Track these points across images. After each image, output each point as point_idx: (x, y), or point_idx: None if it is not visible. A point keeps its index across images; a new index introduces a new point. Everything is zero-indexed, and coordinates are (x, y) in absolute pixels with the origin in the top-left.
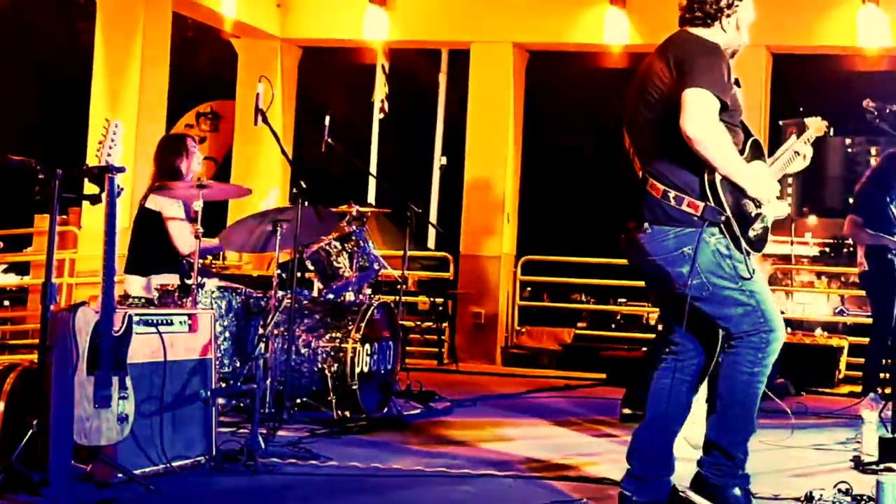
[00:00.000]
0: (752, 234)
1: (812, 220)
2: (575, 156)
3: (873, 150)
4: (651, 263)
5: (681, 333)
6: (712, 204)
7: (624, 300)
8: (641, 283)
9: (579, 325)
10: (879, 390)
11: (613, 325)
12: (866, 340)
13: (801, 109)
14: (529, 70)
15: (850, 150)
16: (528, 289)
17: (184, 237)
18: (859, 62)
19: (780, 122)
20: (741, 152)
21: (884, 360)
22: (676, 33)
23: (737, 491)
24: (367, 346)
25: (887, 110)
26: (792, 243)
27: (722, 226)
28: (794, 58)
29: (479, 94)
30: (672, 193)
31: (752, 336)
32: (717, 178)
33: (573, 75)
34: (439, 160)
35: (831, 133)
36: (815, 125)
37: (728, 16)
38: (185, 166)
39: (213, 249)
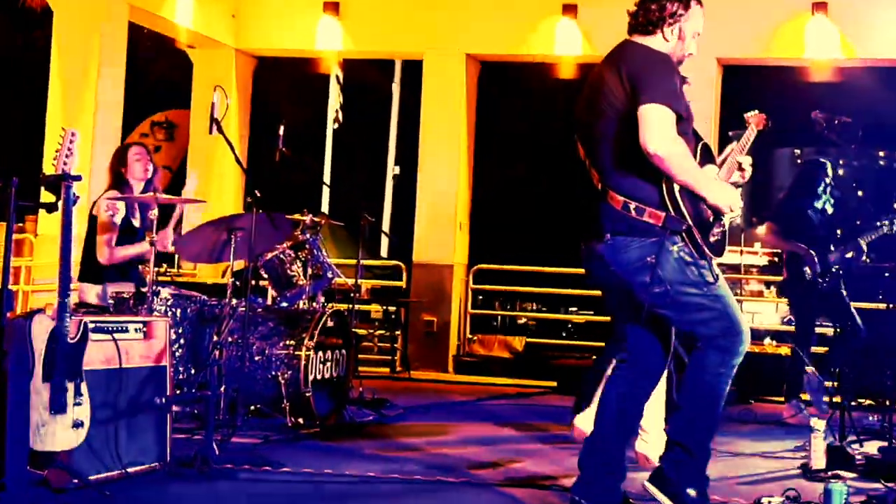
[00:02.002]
0: (712, 239)
1: (761, 229)
2: (527, 166)
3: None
4: (613, 274)
5: (634, 342)
6: (673, 213)
7: (575, 309)
8: (593, 293)
9: (530, 333)
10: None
11: (564, 334)
12: (816, 349)
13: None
14: (482, 80)
15: (798, 160)
16: (480, 297)
17: (100, 246)
18: (808, 74)
19: (730, 133)
20: (693, 156)
21: (808, 368)
22: (624, 43)
23: (692, 492)
24: (321, 353)
25: (835, 121)
26: (742, 253)
27: (684, 234)
28: (745, 69)
29: (431, 104)
30: (633, 205)
31: (718, 339)
32: (676, 187)
33: (525, 86)
34: (392, 170)
35: (769, 124)
36: (754, 119)
37: (670, 24)
38: (129, 174)
39: (141, 256)
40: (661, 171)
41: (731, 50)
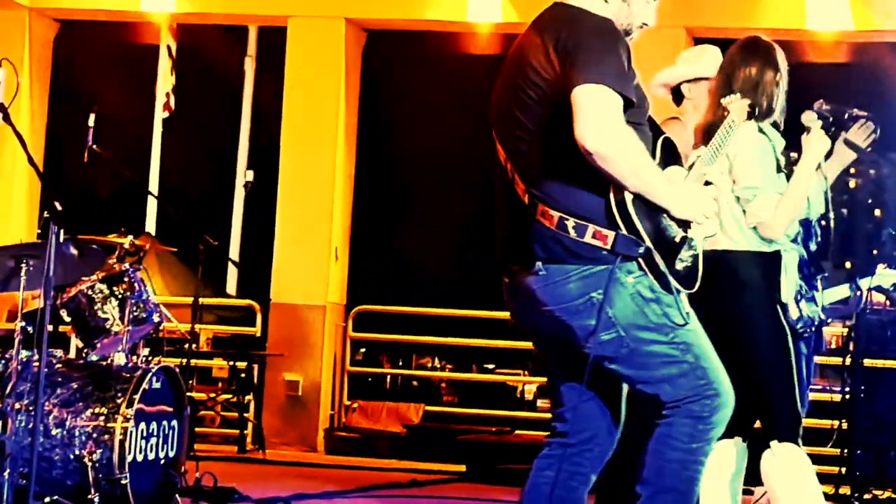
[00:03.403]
0: (679, 265)
1: None
2: (428, 171)
3: None
4: (546, 315)
5: (572, 410)
6: (625, 232)
7: (492, 366)
8: (517, 344)
9: (430, 399)
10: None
11: (477, 400)
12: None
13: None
14: (367, 55)
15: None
16: (363, 350)
17: None
18: (809, 51)
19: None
20: (651, 156)
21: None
22: (553, 7)
23: None
24: (143, 425)
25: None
26: None
27: (641, 260)
28: (723, 43)
29: (298, 87)
30: (571, 222)
31: (691, 403)
32: (628, 197)
33: (428, 63)
34: (244, 175)
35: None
36: (735, 106)
37: None
38: None
39: None
40: (606, 175)
41: (704, 17)
